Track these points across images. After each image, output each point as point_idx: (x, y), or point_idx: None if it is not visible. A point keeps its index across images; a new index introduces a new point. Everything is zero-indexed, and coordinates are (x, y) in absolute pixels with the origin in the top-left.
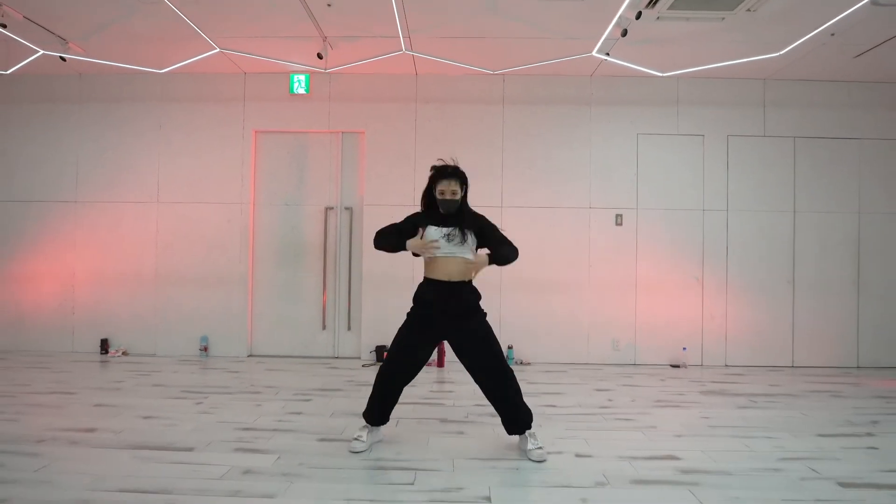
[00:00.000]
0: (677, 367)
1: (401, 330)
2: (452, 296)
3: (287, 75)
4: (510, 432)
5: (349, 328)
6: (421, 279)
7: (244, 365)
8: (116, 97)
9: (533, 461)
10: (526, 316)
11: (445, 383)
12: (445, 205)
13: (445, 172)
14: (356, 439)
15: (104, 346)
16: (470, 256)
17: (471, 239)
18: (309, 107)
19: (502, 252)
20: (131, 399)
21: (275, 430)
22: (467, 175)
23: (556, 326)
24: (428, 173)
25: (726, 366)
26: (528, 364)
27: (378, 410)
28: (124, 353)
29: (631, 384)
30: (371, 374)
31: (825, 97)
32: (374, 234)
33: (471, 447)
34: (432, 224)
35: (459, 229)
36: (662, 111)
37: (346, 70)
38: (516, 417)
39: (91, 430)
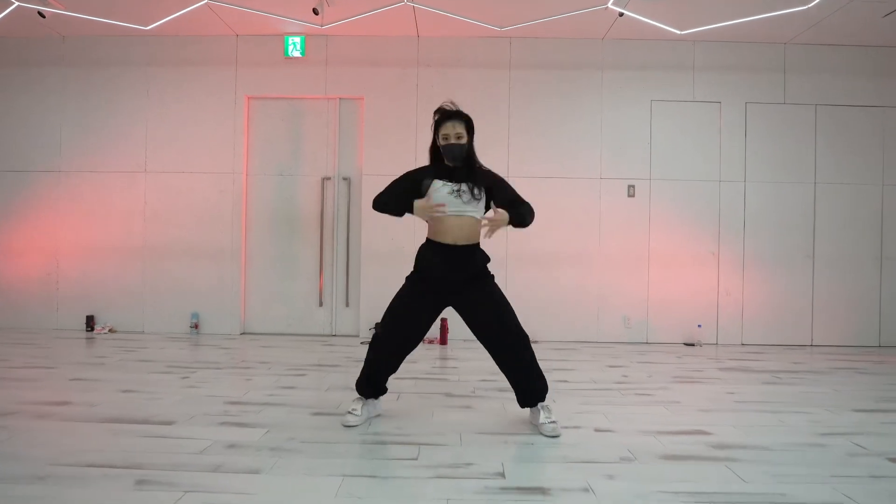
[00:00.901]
0: (691, 345)
1: (399, 295)
2: (460, 261)
3: (281, 38)
4: (522, 404)
5: (347, 304)
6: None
7: (237, 342)
8: (102, 61)
9: (546, 436)
10: (533, 291)
11: (449, 360)
12: (451, 151)
13: (450, 114)
14: (350, 413)
15: (90, 322)
16: (480, 216)
17: (482, 196)
18: (305, 72)
19: (520, 211)
20: (113, 374)
21: (265, 403)
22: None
23: (565, 302)
24: (429, 146)
25: (742, 344)
26: (536, 342)
27: (373, 382)
28: (111, 331)
29: (645, 361)
30: None
31: (849, 62)
32: (372, 200)
33: (479, 421)
34: (438, 178)
35: (469, 185)
36: (677, 77)
37: (344, 31)
38: (531, 387)
39: (64, 404)
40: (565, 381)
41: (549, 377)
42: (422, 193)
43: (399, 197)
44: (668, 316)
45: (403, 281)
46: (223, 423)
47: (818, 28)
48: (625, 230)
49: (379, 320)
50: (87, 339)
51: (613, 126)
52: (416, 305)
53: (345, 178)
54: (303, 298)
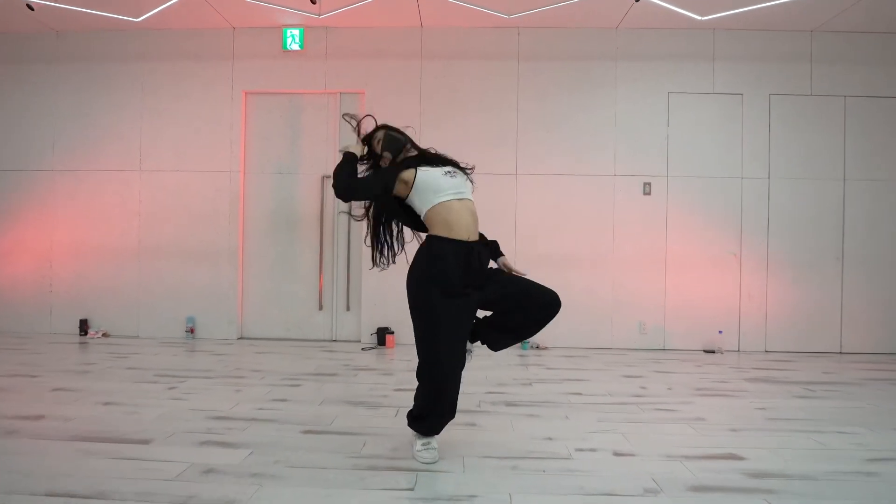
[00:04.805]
0: (711, 352)
1: (427, 309)
2: (476, 261)
3: (280, 30)
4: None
5: (348, 308)
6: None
7: (233, 348)
8: (96, 56)
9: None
10: None
11: None
12: (391, 137)
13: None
14: (425, 447)
15: (83, 326)
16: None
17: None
18: (304, 65)
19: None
20: (96, 383)
21: (252, 419)
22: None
23: (576, 307)
24: (422, 143)
25: (766, 351)
26: (546, 348)
27: (441, 419)
28: (105, 335)
29: (663, 370)
30: (372, 358)
31: (880, 51)
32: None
33: (485, 442)
34: (417, 165)
35: (456, 164)
36: (696, 67)
37: (344, 22)
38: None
39: (37, 418)
40: (578, 394)
41: (560, 388)
42: (390, 189)
43: (369, 189)
44: (687, 321)
45: (405, 281)
46: (204, 443)
47: (848, 14)
48: (640, 230)
49: (380, 325)
50: (80, 343)
51: (628, 120)
52: (453, 310)
53: None
54: (302, 302)
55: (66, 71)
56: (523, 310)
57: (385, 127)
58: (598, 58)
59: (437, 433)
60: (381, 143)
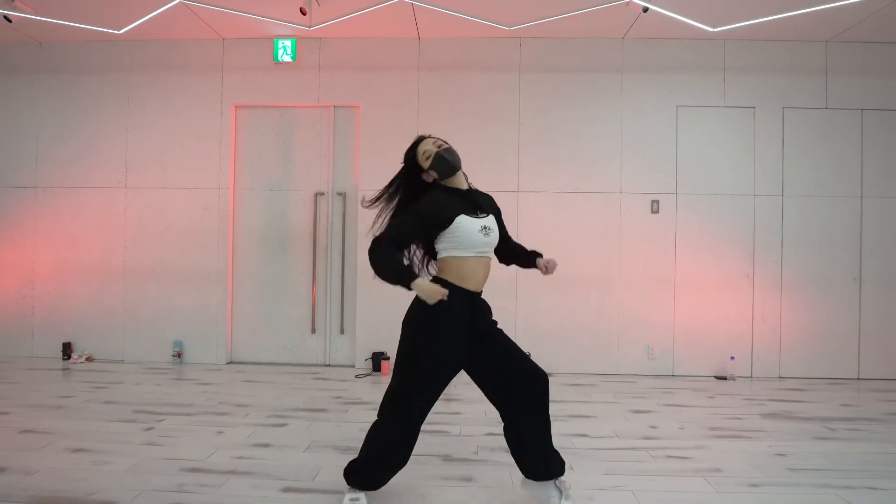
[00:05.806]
0: (723, 378)
1: (418, 360)
2: (483, 311)
3: (270, 41)
4: (538, 476)
5: (342, 332)
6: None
7: (220, 375)
8: (80, 68)
9: None
10: (546, 319)
11: (452, 401)
12: (448, 159)
13: (419, 138)
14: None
15: (66, 350)
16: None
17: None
18: (296, 77)
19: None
20: (70, 423)
21: (230, 472)
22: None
23: (582, 331)
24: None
25: (780, 377)
26: (550, 375)
27: (387, 476)
28: (88, 360)
29: (674, 403)
30: (365, 388)
31: None
32: (370, 249)
33: (482, 502)
34: (462, 211)
35: (492, 219)
36: (706, 79)
37: (338, 33)
38: (551, 453)
39: None
40: (584, 436)
41: (565, 427)
42: (440, 229)
43: (416, 235)
44: (697, 346)
45: (402, 304)
46: None
47: (865, 24)
48: (648, 250)
49: (376, 349)
50: (62, 370)
51: (635, 135)
52: (442, 372)
53: (339, 194)
54: (294, 325)
55: (49, 83)
56: (511, 380)
57: (439, 144)
58: (603, 70)
59: (376, 489)
60: (430, 159)
